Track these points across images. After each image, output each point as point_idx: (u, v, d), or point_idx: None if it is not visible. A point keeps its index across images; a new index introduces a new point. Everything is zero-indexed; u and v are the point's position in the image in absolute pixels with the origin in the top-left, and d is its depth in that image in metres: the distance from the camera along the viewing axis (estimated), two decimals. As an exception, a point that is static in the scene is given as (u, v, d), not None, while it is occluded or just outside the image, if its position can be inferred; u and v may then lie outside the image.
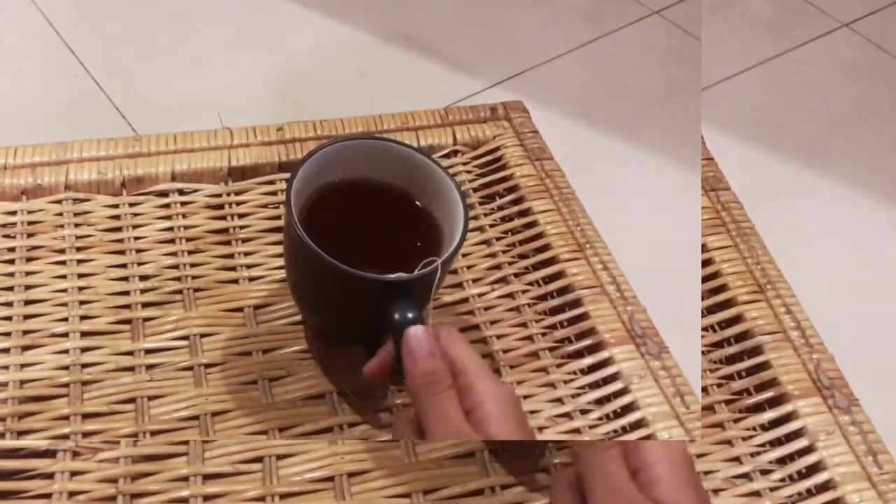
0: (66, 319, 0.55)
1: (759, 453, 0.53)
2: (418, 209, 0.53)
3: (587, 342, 0.57)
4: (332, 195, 0.53)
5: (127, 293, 0.57)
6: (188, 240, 0.61)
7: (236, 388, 0.53)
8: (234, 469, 0.50)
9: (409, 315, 0.46)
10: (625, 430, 0.53)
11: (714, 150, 0.69)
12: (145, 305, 0.57)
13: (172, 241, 0.61)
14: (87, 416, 0.51)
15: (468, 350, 0.46)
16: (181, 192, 0.63)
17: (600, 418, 0.54)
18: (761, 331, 0.58)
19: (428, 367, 0.45)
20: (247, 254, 0.60)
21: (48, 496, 0.48)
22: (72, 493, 0.48)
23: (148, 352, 0.55)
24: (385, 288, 0.47)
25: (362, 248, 0.51)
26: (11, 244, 0.59)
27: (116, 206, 0.62)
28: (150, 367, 0.54)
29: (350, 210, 0.53)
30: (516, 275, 0.61)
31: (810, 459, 0.52)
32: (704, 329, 0.59)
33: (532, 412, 0.54)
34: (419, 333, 0.45)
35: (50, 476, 0.48)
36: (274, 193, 0.64)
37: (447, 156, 0.68)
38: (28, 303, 0.56)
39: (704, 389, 0.56)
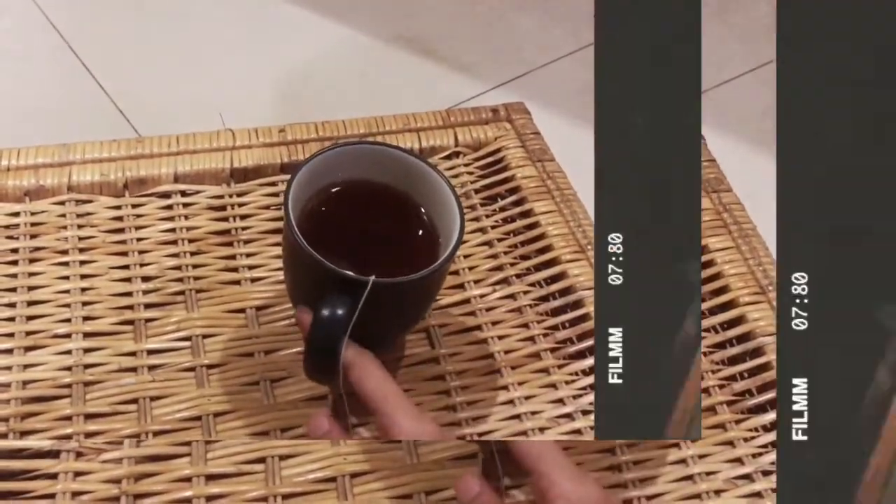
0: (68, 320, 0.56)
1: (760, 454, 0.53)
2: (417, 213, 0.53)
3: (589, 343, 0.57)
4: (331, 199, 0.52)
5: (129, 294, 0.58)
6: (190, 241, 0.61)
7: (238, 388, 0.54)
8: (237, 469, 0.50)
9: (339, 312, 0.45)
10: (626, 430, 0.53)
11: (715, 152, 0.69)
12: (147, 306, 0.57)
13: (175, 242, 0.61)
14: (89, 417, 0.51)
15: (385, 384, 0.44)
16: (183, 194, 0.63)
17: (602, 419, 0.54)
18: (763, 332, 0.58)
19: None
20: (249, 255, 0.61)
21: (52, 496, 0.48)
22: (75, 494, 0.48)
23: (150, 352, 0.55)
24: (327, 276, 0.46)
25: (362, 253, 0.51)
26: (14, 245, 0.59)
27: (119, 207, 0.62)
28: (152, 367, 0.54)
29: (348, 214, 0.53)
30: (518, 276, 0.61)
31: (812, 460, 0.53)
32: (706, 330, 0.59)
33: (533, 413, 0.54)
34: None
35: (53, 476, 0.48)
36: (276, 195, 0.64)
37: (448, 157, 0.68)
38: (31, 304, 0.56)
39: (706, 390, 0.56)
